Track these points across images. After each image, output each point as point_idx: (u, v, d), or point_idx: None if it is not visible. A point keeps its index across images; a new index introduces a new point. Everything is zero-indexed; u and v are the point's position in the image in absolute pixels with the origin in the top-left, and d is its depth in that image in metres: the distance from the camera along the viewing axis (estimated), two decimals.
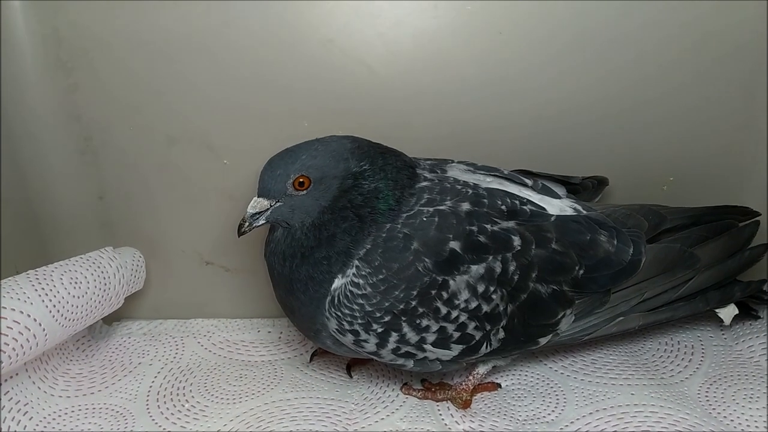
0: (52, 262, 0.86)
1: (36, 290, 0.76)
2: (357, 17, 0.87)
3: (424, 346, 0.72)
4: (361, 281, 0.69)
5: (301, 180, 0.70)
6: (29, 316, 0.74)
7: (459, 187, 0.74)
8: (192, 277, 1.01)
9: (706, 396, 0.77)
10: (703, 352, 0.86)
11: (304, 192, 0.71)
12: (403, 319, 0.70)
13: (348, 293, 0.70)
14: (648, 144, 0.94)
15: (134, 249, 0.97)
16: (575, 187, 0.87)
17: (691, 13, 0.87)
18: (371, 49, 0.89)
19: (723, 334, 0.90)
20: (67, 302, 0.80)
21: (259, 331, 1.01)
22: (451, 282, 0.69)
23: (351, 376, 0.88)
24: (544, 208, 0.76)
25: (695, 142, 0.94)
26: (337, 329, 0.72)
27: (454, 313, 0.70)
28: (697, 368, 0.83)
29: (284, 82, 0.90)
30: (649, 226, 0.79)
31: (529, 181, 0.80)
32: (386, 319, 0.70)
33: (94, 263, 0.87)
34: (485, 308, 0.71)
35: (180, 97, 0.91)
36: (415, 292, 0.69)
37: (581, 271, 0.73)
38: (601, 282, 0.75)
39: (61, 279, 0.81)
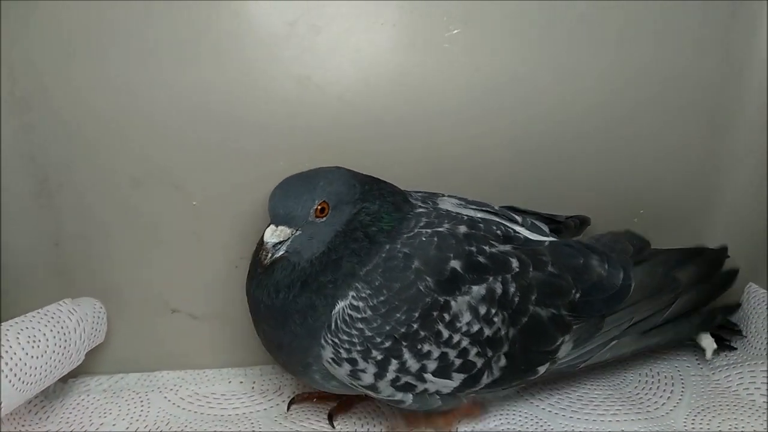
0: (3, 317, 0.78)
1: None
2: (335, 53, 0.86)
3: (425, 375, 0.69)
4: (360, 304, 0.67)
5: (322, 206, 0.67)
6: None
7: (454, 214, 0.75)
8: (157, 327, 0.94)
9: (692, 427, 0.78)
10: (683, 383, 0.88)
11: (323, 219, 0.68)
12: (404, 344, 0.67)
13: (347, 317, 0.67)
14: (619, 179, 0.97)
15: (94, 299, 0.90)
16: (559, 226, 0.88)
17: (659, 57, 0.91)
18: (349, 85, 0.87)
19: (699, 365, 0.92)
20: (25, 364, 0.72)
21: (230, 382, 0.95)
22: (453, 303, 0.68)
23: (333, 426, 0.84)
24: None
25: (663, 177, 0.97)
26: (332, 358, 0.68)
27: (456, 338, 0.68)
28: (680, 399, 0.85)
29: (259, 120, 0.87)
30: (633, 250, 0.80)
31: (518, 218, 0.81)
32: (387, 344, 0.67)
33: (52, 318, 0.79)
34: (487, 332, 0.69)
35: (146, 135, 0.86)
36: (417, 314, 0.67)
37: (577, 295, 0.73)
38: (596, 306, 0.75)
39: (18, 338, 0.73)
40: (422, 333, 0.67)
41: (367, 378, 0.69)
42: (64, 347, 0.79)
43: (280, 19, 0.84)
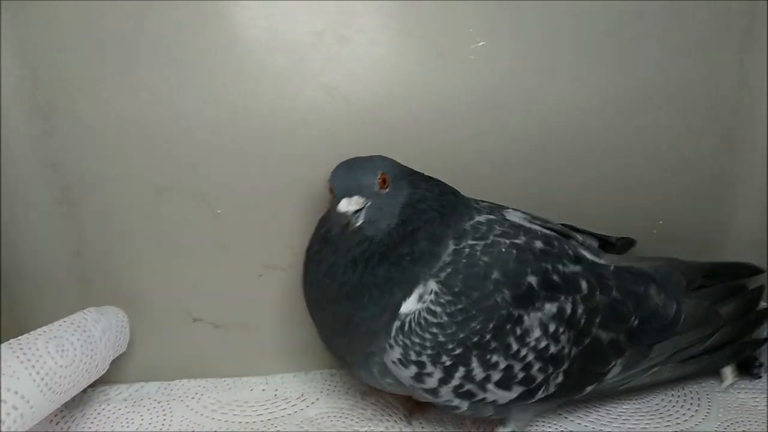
0: (22, 324, 0.77)
1: (22, 362, 0.68)
2: (361, 63, 0.85)
3: (487, 385, 0.69)
4: (438, 309, 0.67)
5: (383, 177, 0.69)
6: (17, 393, 0.65)
7: (527, 227, 0.75)
8: (178, 336, 0.94)
9: None
10: (709, 399, 0.88)
11: (386, 190, 0.69)
12: (475, 353, 0.67)
13: (422, 321, 0.67)
14: (638, 191, 0.97)
15: (117, 308, 0.89)
16: (607, 245, 0.89)
17: (676, 75, 0.91)
18: (374, 94, 0.87)
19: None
20: (55, 373, 0.71)
21: (251, 390, 0.94)
22: (526, 318, 0.68)
23: (411, 424, 0.84)
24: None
25: (681, 189, 0.97)
26: (400, 359, 0.68)
27: (524, 351, 0.69)
28: (708, 413, 0.84)
29: (284, 128, 0.86)
30: (686, 282, 0.82)
31: (579, 237, 0.82)
32: (457, 351, 0.67)
33: (79, 327, 0.78)
34: (552, 349, 0.70)
35: (170, 143, 0.85)
36: (491, 325, 0.67)
37: (636, 322, 0.75)
38: (650, 334, 0.76)
39: (47, 347, 0.72)
40: (493, 344, 0.68)
41: (432, 382, 0.69)
42: (91, 356, 0.78)
43: (308, 28, 0.83)
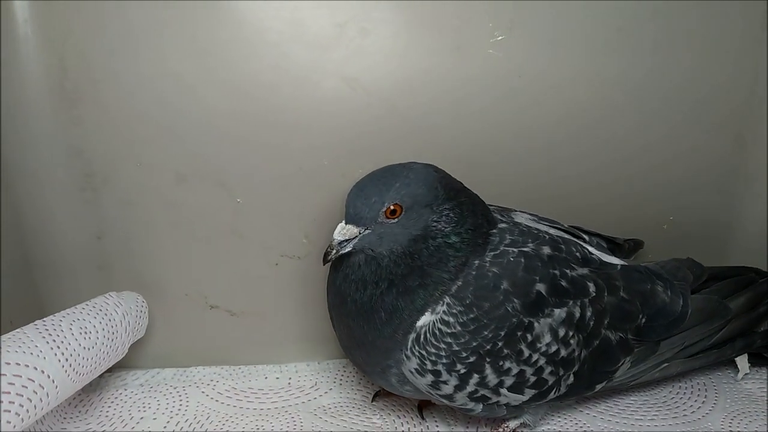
0: (44, 308, 0.79)
1: (47, 342, 0.69)
2: (382, 56, 0.87)
3: (501, 390, 0.71)
4: (451, 319, 0.68)
5: (393, 208, 0.68)
6: (43, 372, 0.66)
7: (535, 231, 0.76)
8: (195, 323, 0.95)
9: (731, 430, 0.80)
10: (716, 389, 0.90)
11: (395, 221, 0.68)
12: (488, 360, 0.69)
13: (436, 331, 0.68)
14: (650, 188, 0.98)
15: (136, 293, 0.90)
16: (615, 246, 0.90)
17: (691, 75, 0.92)
18: (394, 87, 0.88)
19: (730, 374, 0.93)
20: (78, 354, 0.72)
21: (266, 378, 0.96)
22: (536, 324, 0.70)
23: (423, 418, 0.85)
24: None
25: (691, 185, 0.99)
26: (417, 369, 0.70)
27: (535, 357, 0.70)
28: (715, 404, 0.86)
29: (305, 119, 0.88)
30: (693, 278, 0.83)
31: (586, 237, 0.83)
32: (471, 359, 0.69)
33: (101, 311, 0.80)
34: (563, 353, 0.71)
35: (192, 132, 0.86)
36: (503, 333, 0.68)
37: (643, 320, 0.76)
38: (657, 331, 0.77)
39: (71, 329, 0.73)
40: (505, 351, 0.69)
41: (447, 389, 0.71)
42: (112, 339, 0.79)
43: (330, 20, 0.85)
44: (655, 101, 0.94)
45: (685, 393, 0.89)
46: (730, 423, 0.82)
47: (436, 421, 0.85)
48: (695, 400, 0.87)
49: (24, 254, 0.88)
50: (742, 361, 0.91)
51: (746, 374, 0.91)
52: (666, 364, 0.81)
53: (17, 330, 0.69)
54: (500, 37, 0.88)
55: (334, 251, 0.69)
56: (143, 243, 0.91)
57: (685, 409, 0.85)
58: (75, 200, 0.88)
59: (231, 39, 0.84)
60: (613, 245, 0.90)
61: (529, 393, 0.73)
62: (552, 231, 0.79)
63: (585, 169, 0.96)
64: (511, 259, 0.71)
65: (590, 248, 0.80)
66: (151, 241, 0.91)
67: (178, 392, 0.92)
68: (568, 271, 0.73)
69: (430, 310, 0.69)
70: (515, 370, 0.70)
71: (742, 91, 0.95)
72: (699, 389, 0.90)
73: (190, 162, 0.88)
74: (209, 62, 0.84)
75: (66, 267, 0.90)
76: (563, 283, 0.72)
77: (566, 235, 0.80)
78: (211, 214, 0.90)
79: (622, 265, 0.78)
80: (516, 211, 0.82)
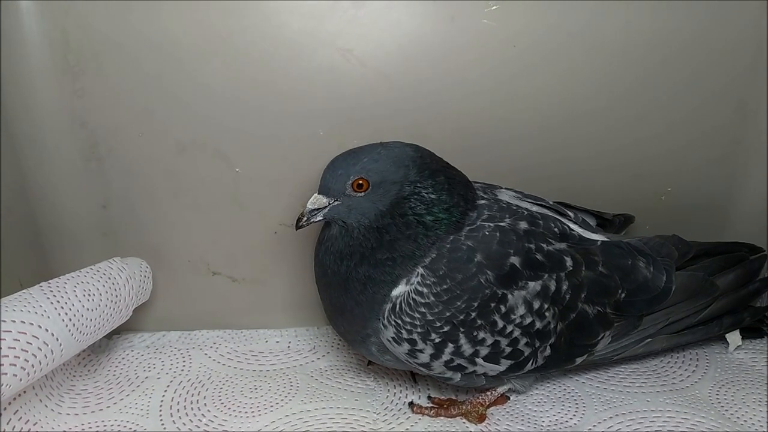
0: (53, 273, 0.83)
1: (51, 303, 0.73)
2: (376, 27, 0.87)
3: (476, 359, 0.73)
4: (425, 290, 0.70)
5: (360, 182, 0.71)
6: (47, 330, 0.70)
7: (514, 207, 0.77)
8: (197, 288, 0.99)
9: (717, 398, 0.81)
10: (707, 359, 0.90)
11: (362, 194, 0.71)
12: (462, 330, 0.71)
13: (411, 301, 0.70)
14: (648, 161, 0.98)
15: (140, 259, 0.94)
16: (605, 222, 0.91)
17: (690, 45, 0.91)
18: (389, 58, 0.89)
19: (723, 344, 0.93)
20: (82, 315, 0.76)
21: (266, 342, 0.99)
22: (510, 296, 0.71)
23: (416, 382, 0.88)
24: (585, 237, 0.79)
25: (690, 155, 0.98)
26: (393, 338, 0.72)
27: (509, 328, 0.72)
28: (705, 373, 0.87)
29: (301, 91, 0.89)
30: (678, 255, 0.82)
31: (570, 214, 0.83)
32: (445, 329, 0.70)
33: (104, 274, 0.84)
34: (538, 325, 0.73)
35: (193, 103, 0.89)
36: (476, 304, 0.70)
37: (623, 295, 0.77)
38: (638, 306, 0.78)
39: (75, 291, 0.77)
40: (479, 321, 0.71)
41: (424, 357, 0.73)
42: (115, 302, 0.83)
43: None
44: (653, 67, 0.93)
45: (676, 362, 0.90)
46: (717, 392, 0.83)
47: (428, 385, 0.87)
48: (685, 369, 0.88)
49: (33, 222, 0.92)
50: (733, 335, 0.91)
51: (738, 346, 0.91)
52: (649, 340, 0.81)
53: (23, 291, 0.73)
54: (494, 7, 0.88)
55: (305, 218, 0.73)
56: (146, 211, 0.94)
57: (674, 378, 0.87)
58: (80, 170, 0.91)
59: (228, 10, 0.85)
60: (602, 220, 0.90)
61: (506, 363, 0.74)
62: (534, 208, 0.79)
63: (580, 138, 0.95)
64: (486, 233, 0.72)
65: (571, 224, 0.80)
66: (154, 210, 0.94)
67: (182, 354, 0.96)
68: (544, 245, 0.73)
69: (404, 280, 0.71)
70: (490, 341, 0.72)
71: (746, 56, 0.93)
72: (691, 359, 0.91)
73: (190, 132, 0.90)
74: (208, 33, 0.86)
75: (72, 234, 0.94)
76: (538, 257, 0.72)
77: (548, 212, 0.80)
78: (211, 183, 0.93)
79: (602, 240, 0.79)
80: (501, 188, 0.83)
